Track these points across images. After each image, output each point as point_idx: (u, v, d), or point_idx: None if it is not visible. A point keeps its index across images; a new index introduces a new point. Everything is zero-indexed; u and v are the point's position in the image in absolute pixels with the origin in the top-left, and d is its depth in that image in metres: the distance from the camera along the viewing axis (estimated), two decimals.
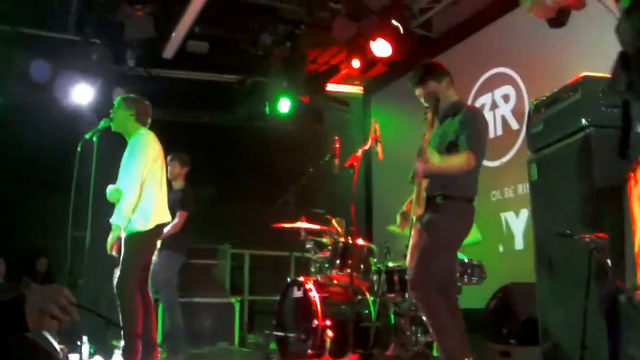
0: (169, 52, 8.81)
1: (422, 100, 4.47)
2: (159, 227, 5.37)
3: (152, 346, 5.24)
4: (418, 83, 4.49)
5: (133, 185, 5.14)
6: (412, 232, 4.36)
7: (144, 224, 5.18)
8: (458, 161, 4.13)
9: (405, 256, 4.54)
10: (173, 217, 6.87)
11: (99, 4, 7.73)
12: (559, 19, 2.32)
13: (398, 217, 4.59)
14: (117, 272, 5.27)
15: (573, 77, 4.29)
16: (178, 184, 7.27)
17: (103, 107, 8.53)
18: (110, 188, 5.26)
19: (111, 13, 7.87)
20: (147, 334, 5.22)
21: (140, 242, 5.22)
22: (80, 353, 5.38)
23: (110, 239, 5.17)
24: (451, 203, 4.19)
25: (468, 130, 4.19)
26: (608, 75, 4.24)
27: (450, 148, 4.20)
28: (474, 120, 4.29)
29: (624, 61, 2.17)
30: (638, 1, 2.09)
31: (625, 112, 2.71)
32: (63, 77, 8.83)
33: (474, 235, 6.12)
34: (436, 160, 4.02)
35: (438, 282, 4.13)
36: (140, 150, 5.24)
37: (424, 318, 4.16)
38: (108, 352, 5.78)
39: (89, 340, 5.77)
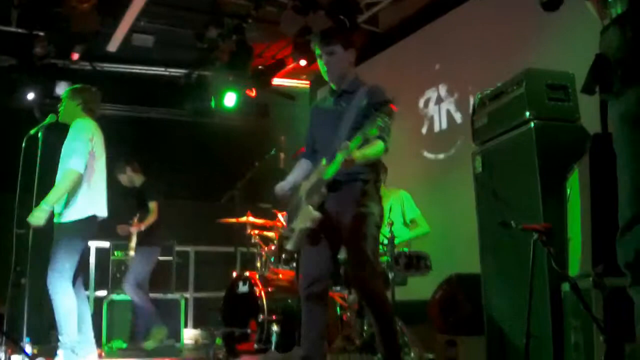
0: (113, 45, 8.66)
1: (326, 68, 4.10)
2: (93, 218, 5.13)
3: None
4: (327, 42, 4.09)
5: (77, 159, 4.99)
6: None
7: (79, 213, 5.02)
8: (375, 154, 3.85)
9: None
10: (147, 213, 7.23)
11: None
12: (554, 2, 2.34)
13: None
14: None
15: (517, 71, 4.36)
16: (138, 181, 7.55)
17: (47, 102, 8.38)
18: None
19: (56, 6, 7.69)
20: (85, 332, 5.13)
21: (72, 232, 5.03)
22: (23, 354, 5.26)
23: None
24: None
25: (383, 118, 3.75)
26: (549, 69, 4.37)
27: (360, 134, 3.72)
28: (388, 108, 3.89)
29: (604, 64, 2.21)
30: (633, 11, 2.13)
31: (603, 113, 2.76)
32: (4, 71, 8.64)
33: (422, 227, 6.19)
34: (358, 159, 3.68)
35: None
36: (85, 135, 5.11)
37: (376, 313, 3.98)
38: (51, 353, 5.65)
39: (32, 341, 5.64)
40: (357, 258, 3.92)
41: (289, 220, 4.30)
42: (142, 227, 7.21)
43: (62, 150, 5.17)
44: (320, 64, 4.16)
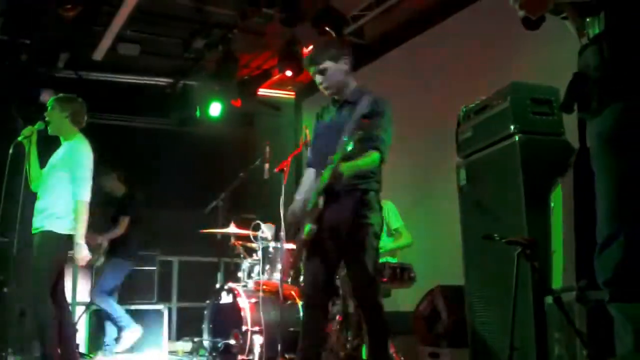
0: (99, 54, 8.63)
1: (323, 86, 4.17)
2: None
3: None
4: (315, 62, 4.14)
5: (85, 189, 5.05)
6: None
7: (64, 227, 5.02)
8: (368, 165, 3.92)
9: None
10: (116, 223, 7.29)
11: (29, 3, 7.50)
12: (535, 21, 2.36)
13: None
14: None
15: (502, 85, 4.38)
16: (119, 192, 7.64)
17: (31, 109, 8.31)
18: None
19: (41, 14, 7.65)
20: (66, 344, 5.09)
21: (54, 244, 5.02)
22: None
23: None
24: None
25: (383, 128, 3.97)
26: (534, 83, 4.40)
27: (361, 142, 3.81)
28: (389, 117, 4.08)
29: (582, 82, 2.24)
30: (610, 31, 2.16)
31: (581, 131, 2.80)
32: None
33: (405, 238, 6.20)
34: (346, 172, 3.76)
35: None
36: (83, 159, 5.16)
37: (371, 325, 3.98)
38: None
39: (14, 352, 5.60)
40: (357, 270, 3.94)
41: (296, 232, 4.33)
42: (104, 241, 7.22)
43: (55, 162, 5.16)
44: (317, 83, 4.20)
